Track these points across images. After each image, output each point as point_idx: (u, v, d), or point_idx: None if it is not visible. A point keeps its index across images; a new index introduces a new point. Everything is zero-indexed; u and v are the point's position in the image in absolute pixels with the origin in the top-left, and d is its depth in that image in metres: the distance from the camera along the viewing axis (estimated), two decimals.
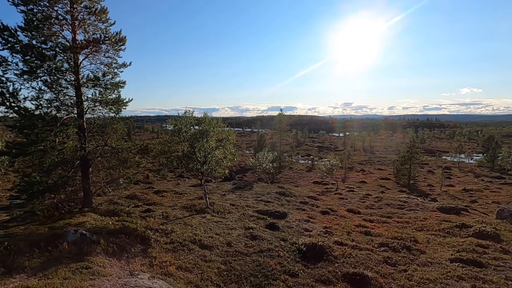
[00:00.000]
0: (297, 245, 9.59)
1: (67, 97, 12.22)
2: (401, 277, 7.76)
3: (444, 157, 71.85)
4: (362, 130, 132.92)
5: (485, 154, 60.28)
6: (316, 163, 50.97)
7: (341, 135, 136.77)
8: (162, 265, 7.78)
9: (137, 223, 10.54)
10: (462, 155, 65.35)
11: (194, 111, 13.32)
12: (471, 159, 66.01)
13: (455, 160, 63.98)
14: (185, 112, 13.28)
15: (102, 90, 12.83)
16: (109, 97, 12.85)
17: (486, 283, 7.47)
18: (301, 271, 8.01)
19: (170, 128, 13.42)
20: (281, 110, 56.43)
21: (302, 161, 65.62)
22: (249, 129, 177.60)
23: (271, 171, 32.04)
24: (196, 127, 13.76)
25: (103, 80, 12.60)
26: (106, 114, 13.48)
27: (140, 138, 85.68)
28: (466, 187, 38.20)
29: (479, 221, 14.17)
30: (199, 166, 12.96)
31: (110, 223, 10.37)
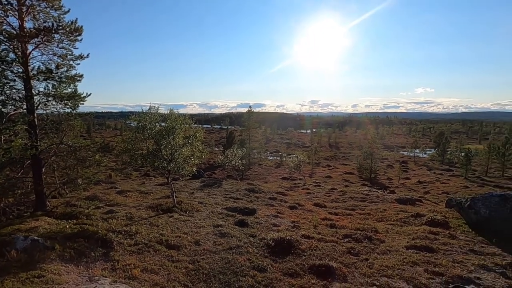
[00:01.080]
0: (265, 240, 9.70)
1: (14, 90, 11.11)
2: (363, 266, 8.20)
3: (401, 152, 77.16)
4: (328, 127, 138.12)
5: (436, 149, 65.76)
6: (284, 159, 51.98)
7: (308, 131, 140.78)
8: (125, 268, 7.43)
9: (98, 226, 9.95)
10: (417, 150, 70.62)
11: (159, 107, 12.84)
12: (425, 153, 71.65)
13: (411, 154, 69.02)
14: (149, 108, 12.74)
15: (55, 83, 11.82)
16: (64, 91, 11.89)
17: (436, 266, 8.16)
18: (270, 265, 8.12)
19: (134, 125, 12.79)
20: (250, 107, 56.57)
21: (271, 158, 66.49)
22: (218, 126, 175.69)
23: (241, 168, 32.02)
24: (163, 124, 13.28)
25: (57, 73, 11.62)
26: (61, 110, 12.48)
27: (101, 136, 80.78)
28: (421, 180, 41.40)
29: (431, 210, 15.42)
30: (165, 164, 12.54)
31: (67, 227, 9.67)
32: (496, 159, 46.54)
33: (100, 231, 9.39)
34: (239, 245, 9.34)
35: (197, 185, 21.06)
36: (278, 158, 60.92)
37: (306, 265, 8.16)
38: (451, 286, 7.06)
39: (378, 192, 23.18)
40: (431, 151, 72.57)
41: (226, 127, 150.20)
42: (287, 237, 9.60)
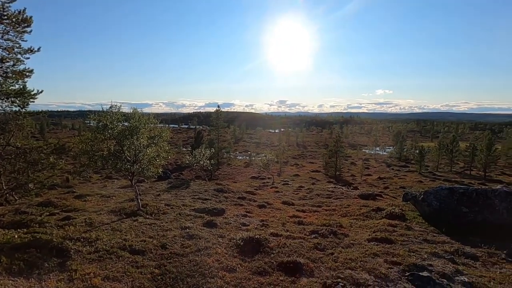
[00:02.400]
0: (235, 240, 9.66)
1: None
2: (329, 260, 8.51)
3: (363, 150, 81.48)
4: (295, 127, 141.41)
5: (394, 147, 70.43)
6: (253, 158, 52.28)
7: (276, 131, 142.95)
8: (84, 278, 6.95)
9: (53, 234, 9.21)
10: (378, 148, 75.09)
11: (121, 105, 12.18)
12: (384, 151, 76.38)
13: (372, 152, 73.20)
14: (111, 107, 12.03)
15: (1, 79, 10.70)
16: (11, 87, 10.80)
17: (394, 256, 8.73)
18: (239, 265, 8.10)
19: (93, 125, 11.99)
20: (218, 106, 56.05)
21: (240, 157, 66.50)
22: (186, 126, 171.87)
23: (209, 168, 31.58)
24: (126, 124, 12.63)
25: (1, 67, 10.51)
26: (8, 108, 11.32)
27: (56, 136, 74.87)
28: (381, 176, 44.06)
29: (390, 204, 16.47)
30: (128, 166, 11.94)
31: (16, 236, 8.82)
32: (445, 155, 51.04)
33: (54, 240, 8.68)
34: (208, 247, 9.20)
35: (164, 187, 20.38)
36: (247, 157, 61.13)
37: (274, 263, 8.26)
38: (407, 273, 7.59)
39: (342, 189, 24.23)
40: (390, 149, 77.55)
41: (194, 126, 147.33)
42: (256, 236, 9.65)
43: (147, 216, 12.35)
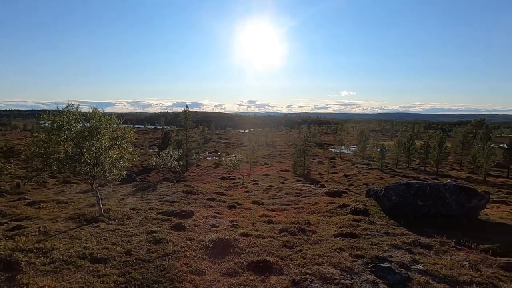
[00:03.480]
0: (204, 242, 9.51)
1: None
2: (297, 257, 8.70)
3: (330, 149, 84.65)
4: (265, 127, 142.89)
5: (358, 146, 74.04)
6: (223, 159, 51.87)
7: (246, 131, 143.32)
8: None
9: (0, 246, 8.34)
10: (343, 147, 78.45)
11: (79, 104, 11.37)
12: (349, 150, 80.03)
13: (338, 151, 76.32)
14: (67, 106, 11.18)
15: None
16: None
17: (358, 250, 9.17)
18: (208, 268, 7.98)
19: (48, 125, 11.05)
20: (186, 106, 54.84)
21: (209, 158, 65.66)
22: (152, 126, 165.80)
23: (177, 169, 30.73)
24: (86, 124, 11.82)
25: None
26: None
27: (4, 138, 68.19)
28: (346, 173, 46.08)
29: (354, 200, 17.27)
30: (88, 169, 11.19)
31: None
32: (403, 153, 54.72)
33: (2, 252, 7.88)
34: (176, 250, 8.94)
35: (129, 190, 19.45)
36: (217, 158, 60.51)
37: (244, 263, 8.26)
38: (370, 265, 8.01)
39: (310, 187, 24.93)
40: (354, 147, 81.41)
41: (161, 127, 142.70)
42: (226, 237, 9.58)
43: (110, 222, 11.70)
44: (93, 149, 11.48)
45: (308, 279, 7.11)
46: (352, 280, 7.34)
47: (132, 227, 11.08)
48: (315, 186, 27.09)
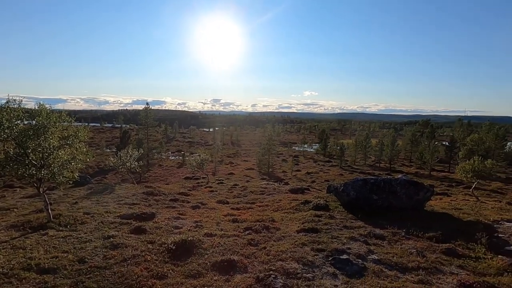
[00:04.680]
0: (166, 245, 9.17)
1: None
2: (262, 254, 8.80)
3: (293, 147, 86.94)
4: (230, 125, 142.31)
5: (320, 144, 77.04)
6: (187, 158, 50.64)
7: (211, 130, 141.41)
8: None
9: None
10: (306, 145, 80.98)
11: (22, 100, 10.26)
12: (312, 148, 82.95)
13: (301, 149, 78.69)
14: (7, 102, 10.03)
15: None
16: None
17: (320, 244, 9.54)
18: (171, 271, 7.73)
19: None
20: (147, 104, 52.40)
21: (172, 157, 63.63)
22: (110, 125, 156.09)
23: (137, 170, 29.25)
24: (32, 122, 10.71)
25: None
26: None
27: None
28: (308, 171, 47.67)
29: (316, 196, 17.96)
30: (34, 172, 10.16)
31: None
32: (361, 151, 58.14)
33: None
34: (136, 255, 8.52)
35: (83, 193, 18.08)
36: (180, 157, 58.83)
37: (209, 263, 8.14)
38: (330, 258, 8.39)
39: (274, 185, 25.40)
40: (316, 145, 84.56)
41: (120, 125, 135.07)
42: (189, 238, 9.35)
43: (61, 228, 10.77)
44: (39, 149, 10.45)
45: (272, 275, 7.23)
46: (314, 274, 7.62)
47: (86, 233, 10.32)
48: (279, 184, 27.65)
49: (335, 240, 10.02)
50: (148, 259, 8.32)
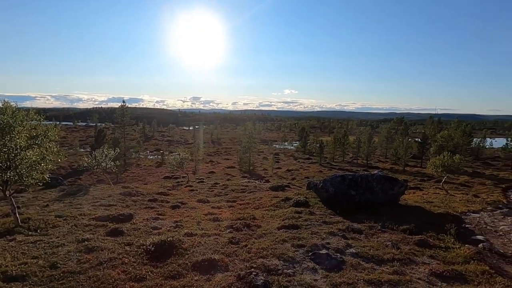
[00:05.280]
0: (144, 246, 8.93)
1: None
2: (243, 252, 8.80)
3: (274, 145, 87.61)
4: (210, 124, 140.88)
5: (300, 142, 78.14)
6: (166, 157, 49.56)
7: (191, 128, 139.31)
8: None
9: None
10: (286, 143, 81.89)
11: None
12: (292, 145, 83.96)
13: (282, 147, 79.46)
14: None
15: None
16: None
17: (300, 240, 9.69)
18: (150, 272, 7.54)
19: None
20: (123, 101, 50.71)
21: (151, 157, 62.06)
22: (84, 123, 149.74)
23: (114, 170, 28.23)
24: None
25: None
26: None
27: None
28: (289, 168, 48.23)
29: (296, 193, 18.21)
30: None
31: None
32: (339, 148, 59.63)
33: None
34: (112, 258, 8.23)
35: (54, 196, 17.22)
36: (159, 156, 57.48)
37: (189, 263, 8.03)
38: (310, 254, 8.54)
39: (255, 183, 25.48)
40: (296, 143, 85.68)
41: (94, 124, 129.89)
42: (169, 239, 9.16)
43: (30, 233, 10.20)
44: (4, 149, 9.80)
45: (253, 273, 7.25)
46: (294, 269, 7.73)
47: (58, 237, 9.84)
48: (260, 182, 27.78)
49: (315, 235, 10.21)
50: (126, 261, 8.07)
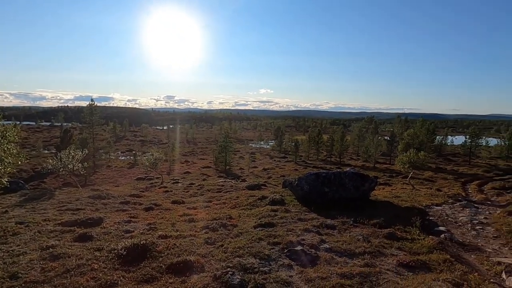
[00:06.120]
0: (116, 251, 8.58)
1: None
2: (219, 252, 8.74)
3: (250, 144, 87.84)
4: (185, 123, 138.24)
5: (275, 141, 79.03)
6: (139, 158, 47.96)
7: (165, 128, 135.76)
8: None
9: None
10: (262, 142, 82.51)
11: None
12: (268, 144, 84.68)
13: (258, 146, 79.87)
14: None
15: None
16: None
17: (276, 238, 9.80)
18: (121, 277, 7.26)
19: None
20: (92, 100, 48.31)
21: (123, 158, 59.78)
22: (48, 123, 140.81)
23: (82, 172, 26.81)
24: None
25: None
26: None
27: None
28: (265, 167, 48.64)
29: (272, 192, 18.40)
30: None
31: None
32: (313, 146, 61.08)
33: None
34: (80, 264, 7.81)
35: (14, 201, 15.95)
36: (131, 157, 55.45)
37: (163, 266, 7.83)
38: (285, 251, 8.68)
39: (232, 182, 25.41)
40: (272, 142, 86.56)
41: (59, 124, 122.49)
42: (142, 242, 8.87)
43: None
44: None
45: (230, 272, 7.23)
46: (270, 267, 7.82)
47: (19, 245, 9.16)
48: (237, 181, 27.74)
49: (290, 232, 10.38)
50: (95, 267, 7.70)
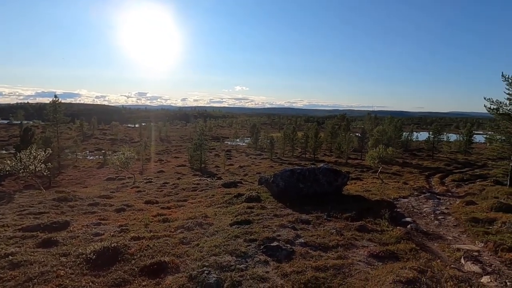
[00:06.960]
0: (84, 255, 8.14)
1: None
2: (195, 252, 8.60)
3: (226, 142, 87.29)
4: (158, 120, 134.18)
5: (251, 138, 79.19)
6: (109, 157, 45.84)
7: (137, 125, 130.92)
8: None
9: None
10: (238, 140, 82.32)
11: None
12: (244, 142, 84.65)
13: (233, 143, 79.58)
14: None
15: None
16: None
17: (252, 234, 9.83)
18: (91, 283, 6.90)
19: None
20: (56, 96, 45.35)
21: (91, 157, 56.87)
22: (6, 121, 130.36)
23: (45, 173, 25.10)
24: None
25: None
26: None
27: None
28: (241, 165, 48.61)
29: (248, 189, 18.44)
30: None
31: None
32: (288, 143, 62.00)
33: None
34: (45, 271, 7.32)
35: None
36: (100, 157, 52.89)
37: (136, 269, 7.56)
38: (262, 247, 8.73)
39: (207, 180, 25.10)
40: (247, 139, 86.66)
41: (19, 122, 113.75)
42: (113, 245, 8.50)
43: None
44: None
45: (205, 271, 7.15)
46: (247, 264, 7.82)
47: None
48: (212, 179, 27.43)
49: (266, 229, 10.46)
50: (62, 274, 7.26)
